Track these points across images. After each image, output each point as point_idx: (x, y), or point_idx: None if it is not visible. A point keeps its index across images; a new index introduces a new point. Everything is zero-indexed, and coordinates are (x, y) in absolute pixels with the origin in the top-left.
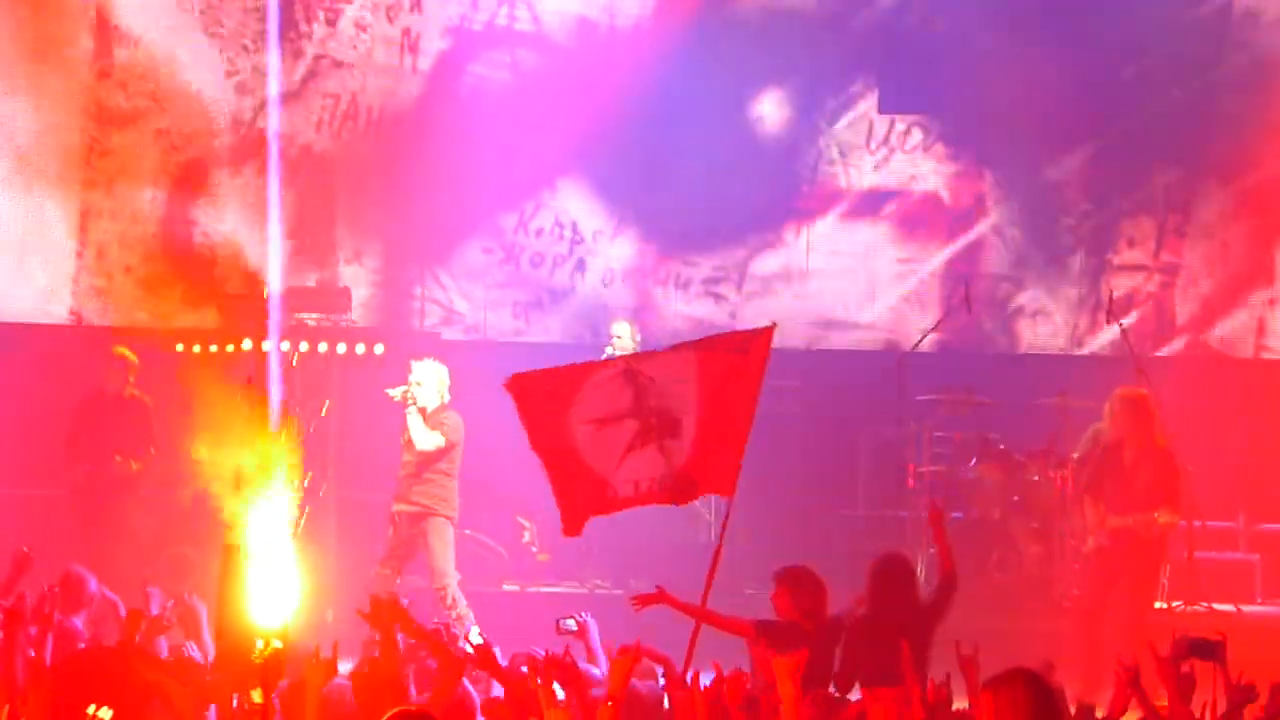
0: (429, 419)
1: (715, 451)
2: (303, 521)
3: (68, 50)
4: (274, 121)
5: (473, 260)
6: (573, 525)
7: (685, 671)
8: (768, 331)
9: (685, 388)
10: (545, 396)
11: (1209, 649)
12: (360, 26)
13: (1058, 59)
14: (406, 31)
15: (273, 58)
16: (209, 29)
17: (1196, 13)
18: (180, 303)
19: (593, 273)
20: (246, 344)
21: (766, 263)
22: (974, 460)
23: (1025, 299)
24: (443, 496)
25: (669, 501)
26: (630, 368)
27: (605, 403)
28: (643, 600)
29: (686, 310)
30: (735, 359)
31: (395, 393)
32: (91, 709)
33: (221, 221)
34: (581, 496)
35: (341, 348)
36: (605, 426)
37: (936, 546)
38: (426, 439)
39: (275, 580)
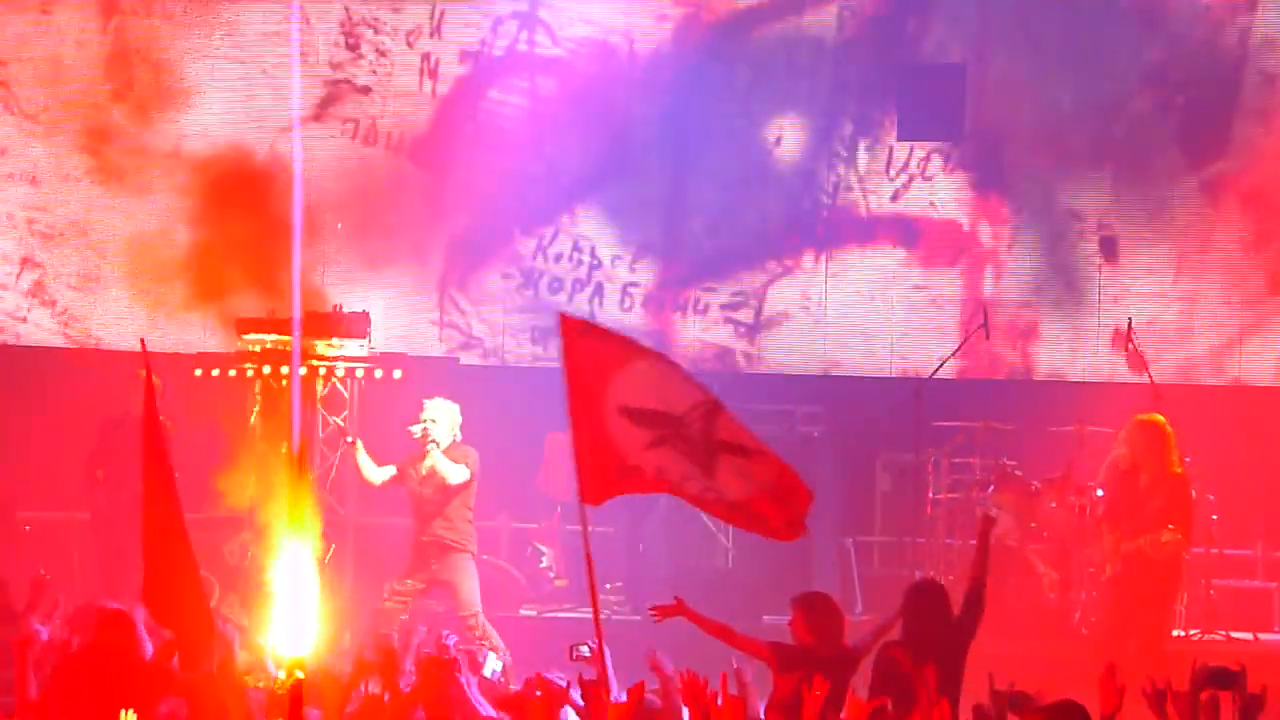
0: (449, 455)
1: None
2: (330, 554)
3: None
4: (297, 146)
5: (491, 285)
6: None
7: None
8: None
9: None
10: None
11: (1229, 679)
12: (380, 52)
13: (1076, 84)
14: (426, 57)
15: (295, 81)
16: (229, 54)
17: (1215, 39)
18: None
19: (610, 298)
20: (265, 369)
21: (784, 289)
22: (991, 488)
23: (1043, 326)
24: (466, 533)
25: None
26: (710, 410)
27: (647, 395)
28: (662, 612)
29: (704, 336)
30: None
31: (416, 430)
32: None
33: (241, 245)
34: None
35: (359, 372)
36: (633, 421)
37: (975, 557)
38: (454, 473)
39: (298, 611)
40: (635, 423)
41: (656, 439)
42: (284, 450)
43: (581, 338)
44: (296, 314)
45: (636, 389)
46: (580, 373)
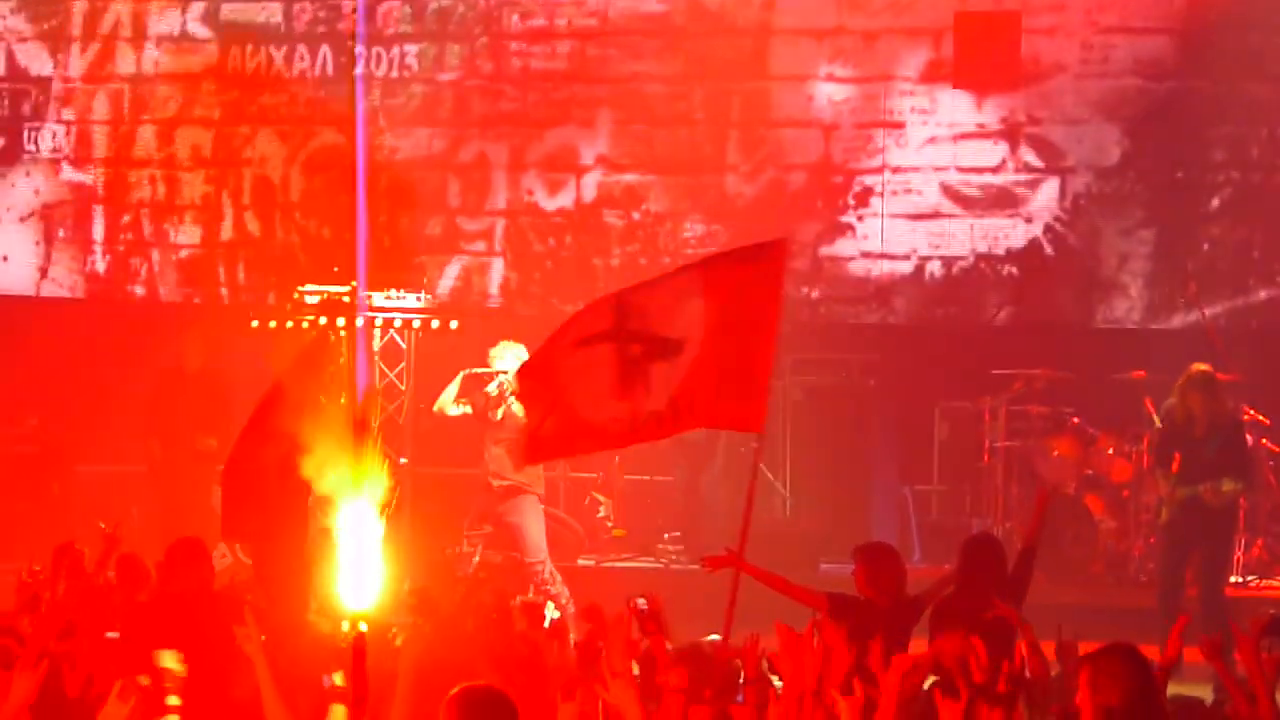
0: None
1: (732, 379)
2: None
3: None
4: (360, 111)
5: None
6: (534, 454)
7: (726, 634)
8: (780, 243)
9: (687, 306)
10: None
11: None
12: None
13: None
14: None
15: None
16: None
17: None
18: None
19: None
20: (323, 320)
21: (839, 244)
22: (1049, 435)
23: (1102, 273)
24: (536, 474)
25: (669, 434)
26: (620, 296)
27: (586, 325)
28: (713, 562)
29: None
30: (744, 272)
31: (492, 389)
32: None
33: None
34: (556, 430)
35: (417, 323)
36: (585, 348)
37: (1031, 525)
38: None
39: (363, 562)
40: (589, 347)
41: (615, 362)
42: (342, 402)
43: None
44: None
45: (581, 325)
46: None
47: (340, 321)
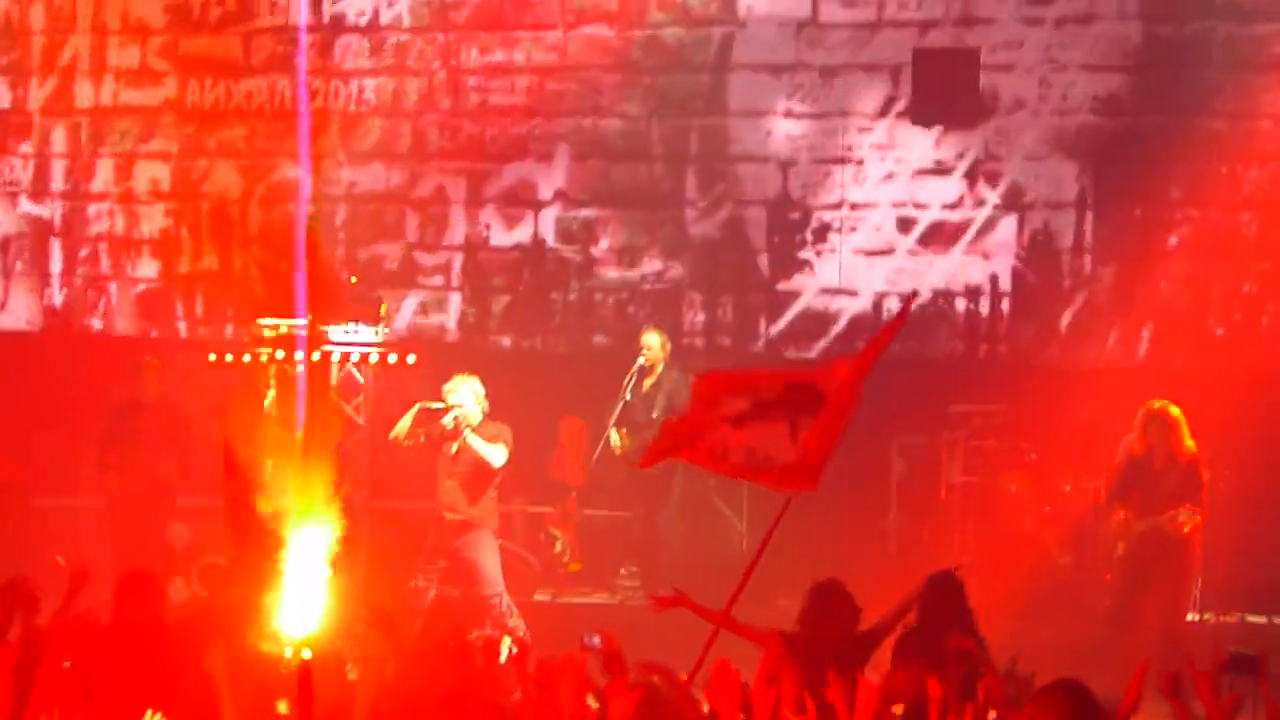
0: (482, 434)
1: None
2: (340, 533)
3: None
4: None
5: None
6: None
7: (694, 676)
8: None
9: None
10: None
11: (1248, 663)
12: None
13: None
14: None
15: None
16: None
17: None
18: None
19: (604, 296)
20: (279, 354)
21: (796, 280)
22: (1007, 471)
23: (1060, 310)
24: (490, 509)
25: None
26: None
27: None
28: (661, 603)
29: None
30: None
31: (447, 421)
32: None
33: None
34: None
35: (374, 357)
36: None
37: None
38: (496, 455)
39: (306, 590)
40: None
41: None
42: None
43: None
44: (302, 296)
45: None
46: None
47: (299, 355)
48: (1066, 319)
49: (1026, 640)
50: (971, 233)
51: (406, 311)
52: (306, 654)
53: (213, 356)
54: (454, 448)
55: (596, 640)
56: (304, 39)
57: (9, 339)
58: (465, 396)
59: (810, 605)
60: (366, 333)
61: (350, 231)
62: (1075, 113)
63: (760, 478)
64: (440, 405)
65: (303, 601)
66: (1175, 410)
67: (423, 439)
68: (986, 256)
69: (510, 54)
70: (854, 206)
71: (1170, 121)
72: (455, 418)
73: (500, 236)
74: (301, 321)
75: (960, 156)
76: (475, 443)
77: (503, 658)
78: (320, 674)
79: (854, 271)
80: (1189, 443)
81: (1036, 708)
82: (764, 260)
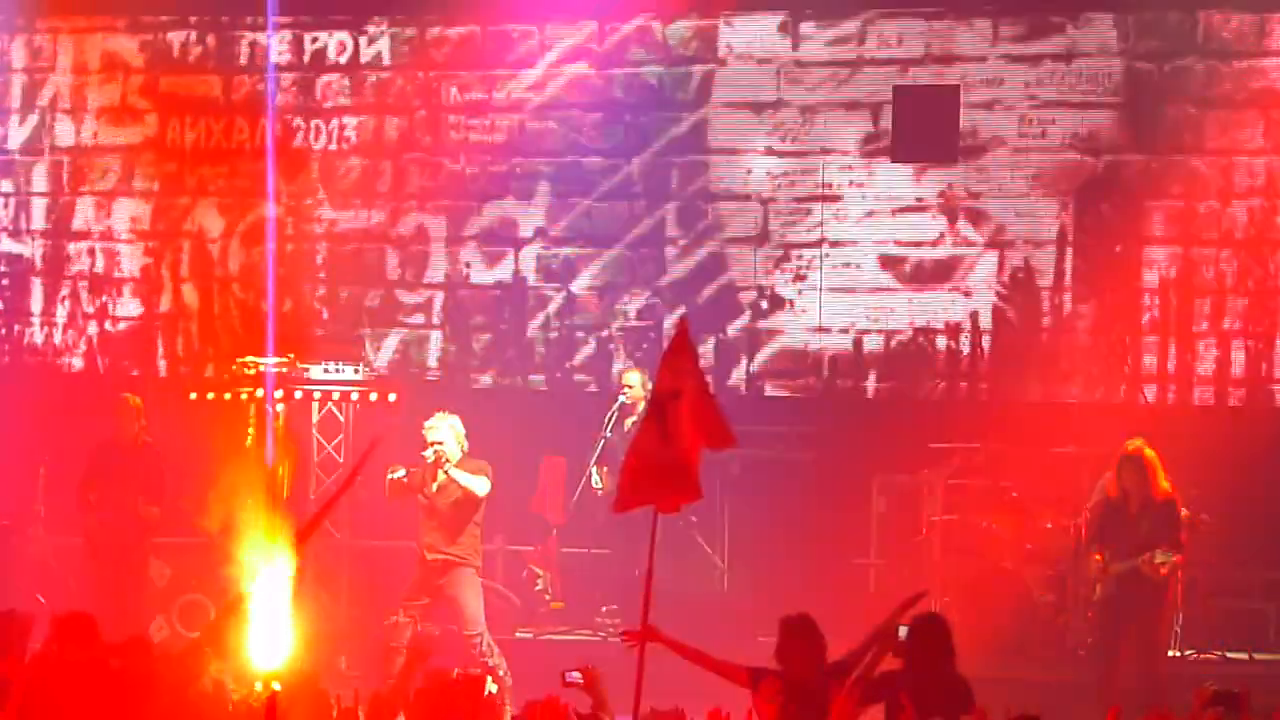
0: (464, 469)
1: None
2: (297, 565)
3: None
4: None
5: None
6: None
7: (636, 707)
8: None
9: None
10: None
11: (1231, 700)
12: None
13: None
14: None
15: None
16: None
17: None
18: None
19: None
20: (259, 393)
21: (777, 317)
22: (987, 509)
23: (1041, 347)
24: (473, 547)
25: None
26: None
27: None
28: (632, 636)
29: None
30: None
31: (428, 454)
32: None
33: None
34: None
35: (355, 395)
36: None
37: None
38: (476, 485)
39: (273, 624)
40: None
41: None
42: (280, 472)
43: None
44: (271, 334)
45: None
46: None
47: (279, 394)
48: (1047, 356)
49: (1006, 679)
50: (952, 269)
51: (387, 350)
52: (276, 686)
53: (193, 395)
54: (434, 486)
55: (577, 675)
56: (272, 76)
57: None
58: (445, 434)
59: (781, 640)
60: (347, 371)
61: (331, 270)
62: (1056, 150)
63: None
64: (402, 474)
65: (269, 635)
66: (1150, 452)
67: (404, 475)
68: (967, 294)
69: (491, 92)
70: (834, 244)
71: (1150, 158)
72: (435, 453)
73: (481, 274)
74: (276, 360)
75: (940, 194)
76: (457, 474)
77: (485, 693)
78: (303, 706)
79: (834, 309)
80: (1164, 484)
81: None
82: (744, 298)
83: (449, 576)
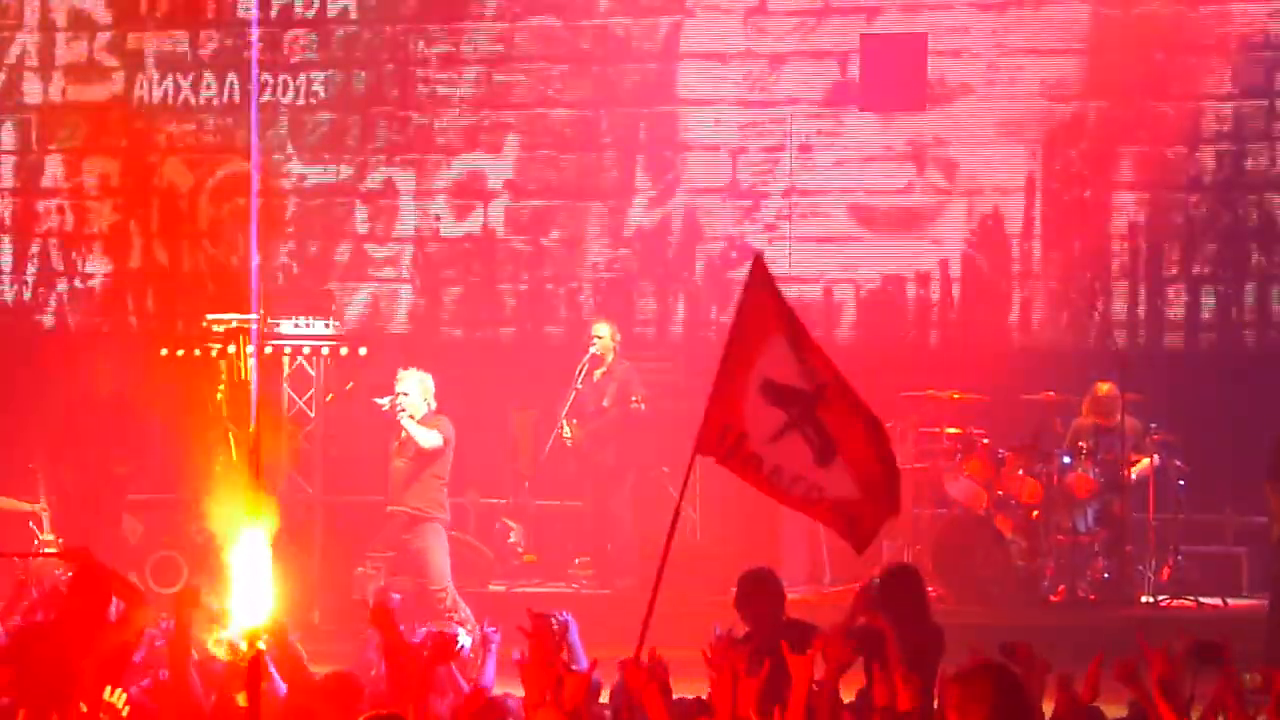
0: (423, 424)
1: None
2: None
3: None
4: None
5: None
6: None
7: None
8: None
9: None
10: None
11: (1212, 650)
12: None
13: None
14: None
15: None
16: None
17: None
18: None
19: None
20: (231, 348)
21: (746, 268)
22: (958, 456)
23: (1010, 294)
24: (437, 500)
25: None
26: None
27: (790, 370)
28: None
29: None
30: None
31: (384, 402)
32: (108, 692)
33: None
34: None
35: (325, 350)
36: (770, 400)
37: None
38: (426, 437)
39: (254, 582)
40: (772, 401)
41: (787, 423)
42: (250, 429)
43: (762, 289)
44: (255, 290)
45: (783, 361)
46: (745, 325)
47: (250, 349)
48: (1017, 303)
49: (979, 625)
50: (921, 218)
51: (357, 304)
52: (261, 645)
53: (164, 351)
54: (400, 439)
55: (565, 615)
56: (256, 33)
57: None
58: (411, 386)
59: (741, 591)
60: (317, 326)
61: (300, 225)
62: (1023, 97)
63: (817, 514)
64: (385, 402)
65: (252, 594)
66: (1113, 389)
67: (385, 409)
68: (936, 242)
69: (459, 45)
70: (803, 193)
71: (1118, 104)
72: (392, 402)
73: (450, 228)
74: (252, 316)
75: (909, 142)
76: (408, 424)
77: (459, 649)
78: (280, 666)
79: (804, 259)
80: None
81: (961, 695)
82: (714, 248)
83: (414, 531)
